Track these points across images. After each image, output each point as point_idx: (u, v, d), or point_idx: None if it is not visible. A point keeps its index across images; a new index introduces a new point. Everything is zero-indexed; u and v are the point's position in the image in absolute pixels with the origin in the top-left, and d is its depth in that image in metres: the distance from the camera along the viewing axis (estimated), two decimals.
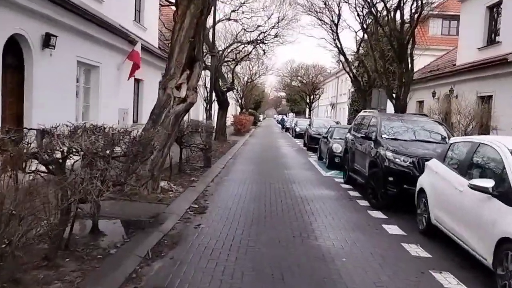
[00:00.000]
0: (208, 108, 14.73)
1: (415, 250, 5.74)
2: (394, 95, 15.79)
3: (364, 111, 11.89)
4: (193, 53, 8.44)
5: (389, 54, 19.98)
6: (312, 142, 20.78)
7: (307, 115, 60.62)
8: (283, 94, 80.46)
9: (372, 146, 9.02)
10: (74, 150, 3.92)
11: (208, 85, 20.33)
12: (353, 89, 25.92)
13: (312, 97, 54.70)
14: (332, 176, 12.67)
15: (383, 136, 8.92)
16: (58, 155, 4.52)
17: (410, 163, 7.74)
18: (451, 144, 6.44)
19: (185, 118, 12.84)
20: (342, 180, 11.69)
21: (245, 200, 8.61)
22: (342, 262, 5.08)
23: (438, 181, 6.06)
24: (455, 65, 18.63)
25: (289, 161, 16.35)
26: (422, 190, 6.59)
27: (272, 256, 5.18)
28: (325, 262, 5.03)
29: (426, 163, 6.87)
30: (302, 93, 57.67)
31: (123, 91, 13.88)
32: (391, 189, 7.81)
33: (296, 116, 55.59)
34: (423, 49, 18.99)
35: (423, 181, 6.64)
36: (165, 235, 5.87)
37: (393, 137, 8.86)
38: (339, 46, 20.25)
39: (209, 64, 22.41)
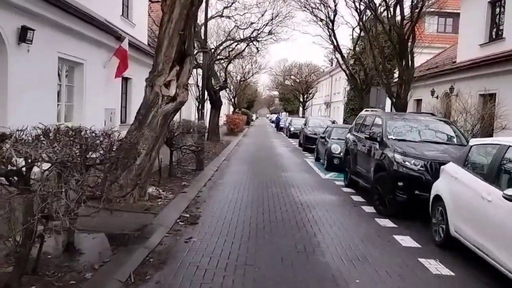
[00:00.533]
0: (200, 107, 14.04)
1: (435, 266, 5.08)
2: (392, 94, 15.16)
3: (366, 110, 11.25)
4: (183, 47, 7.72)
5: (387, 51, 19.42)
6: (308, 142, 20.14)
7: (300, 114, 60.04)
8: (276, 93, 79.82)
9: (377, 147, 8.37)
10: (35, 158, 3.20)
11: (200, 84, 19.67)
12: (348, 88, 25.29)
13: (305, 96, 54.08)
14: (332, 179, 12.02)
15: (389, 136, 8.27)
16: (22, 163, 3.80)
17: (421, 166, 7.09)
18: (471, 146, 5.79)
19: (176, 118, 12.14)
20: (342, 183, 11.05)
21: (241, 207, 7.91)
22: (357, 285, 4.41)
23: (459, 189, 5.41)
24: (455, 62, 18.09)
25: (285, 162, 15.67)
26: (438, 198, 5.94)
27: (274, 279, 4.49)
28: (338, 287, 4.35)
29: (442, 167, 6.21)
30: (295, 92, 57.05)
31: (110, 90, 13.11)
32: (400, 195, 7.16)
33: (290, 115, 54.97)
34: (422, 47, 18.38)
35: (439, 188, 5.99)
36: (152, 251, 5.16)
37: (400, 137, 8.22)
38: (335, 43, 19.61)
39: (201, 62, 21.75)
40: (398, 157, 7.35)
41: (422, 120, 8.84)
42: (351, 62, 21.82)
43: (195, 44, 20.61)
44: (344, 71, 20.99)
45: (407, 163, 7.22)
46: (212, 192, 9.37)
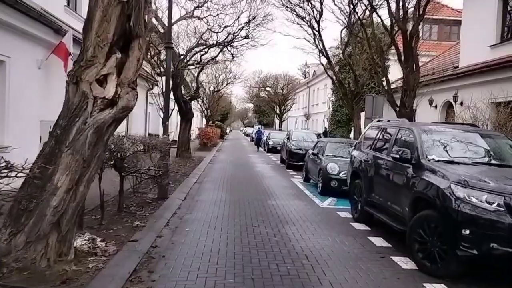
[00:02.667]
0: (163, 119, 11.28)
1: None
2: (395, 102, 12.85)
3: (377, 121, 8.78)
4: (128, 24, 5.03)
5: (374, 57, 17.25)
6: (292, 159, 17.59)
7: (276, 127, 57.68)
8: (250, 105, 77.56)
9: (412, 172, 5.87)
10: None
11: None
12: (333, 98, 23.04)
13: (282, 108, 51.79)
14: (333, 208, 9.45)
15: (429, 157, 5.77)
16: None
17: (499, 205, 4.59)
18: None
19: (137, 131, 9.36)
20: (348, 215, 8.52)
21: (218, 267, 5.20)
22: None
23: None
24: (457, 67, 16.06)
25: (270, 184, 13.03)
26: None
27: None
28: None
29: None
30: (272, 104, 54.71)
31: (49, 96, 10.21)
32: (466, 249, 4.63)
33: (265, 128, 52.58)
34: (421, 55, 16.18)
35: None
36: None
37: (447, 158, 5.74)
38: (321, 45, 17.30)
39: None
40: (458, 189, 4.84)
41: (468, 134, 6.39)
42: (337, 68, 19.51)
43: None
44: (331, 77, 18.68)
45: (473, 199, 4.71)
46: (177, 237, 6.60)
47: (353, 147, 9.29)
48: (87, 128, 4.80)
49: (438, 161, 5.67)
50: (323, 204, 9.91)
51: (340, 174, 10.81)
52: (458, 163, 5.55)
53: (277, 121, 56.19)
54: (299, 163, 17.06)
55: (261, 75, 55.86)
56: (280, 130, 44.82)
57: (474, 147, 6.06)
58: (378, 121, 8.65)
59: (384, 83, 13.08)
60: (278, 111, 52.85)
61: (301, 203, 9.90)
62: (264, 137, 31.75)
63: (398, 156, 6.04)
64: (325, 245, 6.33)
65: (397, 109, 12.27)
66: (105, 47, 4.85)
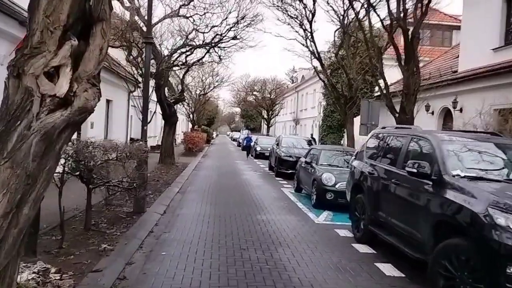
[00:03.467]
0: (142, 123, 10.20)
1: None
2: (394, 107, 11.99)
3: (383, 127, 7.84)
4: (88, 4, 3.99)
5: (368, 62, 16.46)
6: (282, 167, 16.62)
7: (263, 132, 56.68)
8: (238, 109, 76.55)
9: (431, 189, 4.94)
10: None
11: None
12: (324, 103, 22.17)
13: (270, 112, 50.84)
14: (331, 225, 8.48)
15: (453, 172, 4.84)
16: None
17: None
18: None
19: (119, 136, 8.23)
20: (348, 233, 7.57)
21: None
22: None
23: None
24: (456, 72, 15.32)
25: (259, 194, 12.01)
26: None
27: None
28: None
29: None
30: (259, 108, 53.73)
31: None
32: None
33: (253, 133, 51.58)
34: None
35: None
36: None
37: (475, 174, 4.81)
38: (314, 47, 16.41)
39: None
40: (499, 215, 3.90)
41: (495, 144, 5.47)
42: (328, 72, 18.63)
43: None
44: (323, 81, 17.81)
45: None
46: (150, 265, 5.53)
47: (353, 157, 8.34)
48: (32, 135, 3.71)
49: (464, 177, 4.73)
50: (319, 220, 8.94)
51: (337, 186, 9.87)
52: (488, 180, 4.62)
53: (265, 126, 55.24)
54: (289, 171, 16.13)
55: (249, 79, 55.00)
56: (267, 135, 43.87)
57: (502, 160, 5.16)
58: (384, 127, 7.71)
59: (383, 87, 12.20)
60: (265, 116, 51.89)
61: (294, 219, 8.90)
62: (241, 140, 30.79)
63: (415, 170, 5.08)
64: (327, 275, 5.33)
65: (397, 115, 11.39)
66: (56, 31, 3.78)
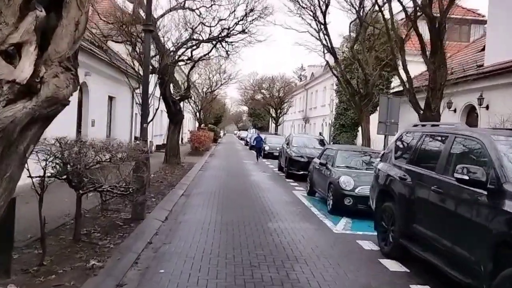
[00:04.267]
0: (142, 121, 9.39)
1: None
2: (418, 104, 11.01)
3: (414, 125, 6.87)
4: None
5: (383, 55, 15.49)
6: (293, 167, 15.70)
7: (271, 131, 55.71)
8: (245, 108, 75.66)
9: (487, 202, 4.01)
10: None
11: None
12: (337, 100, 21.19)
13: (279, 111, 49.83)
14: (351, 235, 7.54)
15: None
16: None
17: None
18: None
19: (123, 136, 7.34)
20: (372, 245, 6.66)
21: None
22: None
23: None
24: (481, 66, 14.29)
25: (269, 198, 11.11)
26: None
27: None
28: None
29: None
30: (267, 107, 52.75)
31: None
32: None
33: (261, 132, 50.66)
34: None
35: None
36: None
37: None
38: (327, 40, 15.46)
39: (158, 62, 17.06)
40: None
41: None
42: (342, 67, 17.63)
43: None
44: (337, 77, 16.85)
45: None
46: (147, 285, 4.67)
47: (378, 158, 7.40)
48: None
49: None
50: (337, 228, 8.01)
51: (356, 190, 8.94)
52: None
53: (273, 125, 54.28)
54: (300, 172, 15.23)
55: (257, 77, 54.02)
56: (276, 134, 42.96)
57: None
58: (416, 125, 6.76)
59: (405, 80, 11.22)
60: (274, 115, 50.89)
61: (310, 227, 7.98)
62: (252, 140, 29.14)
63: (466, 177, 4.14)
64: None
65: (421, 111, 10.42)
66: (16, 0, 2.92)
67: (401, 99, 12.88)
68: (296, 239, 6.96)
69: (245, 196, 11.36)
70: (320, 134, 31.93)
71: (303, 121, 40.98)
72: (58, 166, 5.61)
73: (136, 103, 20.67)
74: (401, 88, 13.15)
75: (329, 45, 15.57)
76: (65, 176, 5.71)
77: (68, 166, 5.62)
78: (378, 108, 16.93)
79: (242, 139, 66.19)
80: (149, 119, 11.55)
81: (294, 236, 7.18)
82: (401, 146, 6.49)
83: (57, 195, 6.70)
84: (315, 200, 11.09)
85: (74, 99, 13.16)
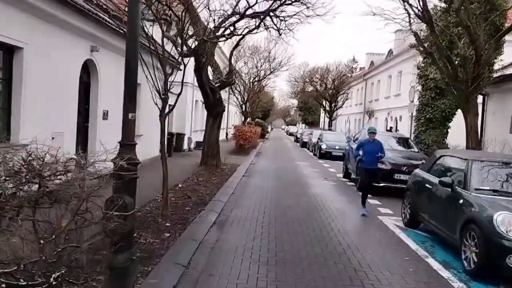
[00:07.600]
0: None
1: None
2: None
3: None
4: None
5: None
6: (380, 180, 11.24)
7: (322, 126, 51.06)
8: (295, 101, 71.19)
9: None
10: None
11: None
12: (419, 88, 16.55)
13: (334, 104, 44.98)
14: None
15: None
16: None
17: None
18: None
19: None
20: None
21: None
22: None
23: None
24: None
25: (349, 236, 7.03)
26: None
27: None
28: None
29: None
30: (320, 99, 47.99)
31: None
32: None
33: (311, 128, 46.23)
34: None
35: None
36: None
37: None
38: (419, 2, 11.00)
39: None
40: None
41: None
42: (426, 44, 13.02)
43: None
44: (429, 53, 12.34)
45: None
46: None
47: None
48: None
49: None
50: None
51: None
52: None
53: (326, 120, 49.51)
54: (380, 184, 11.01)
55: (308, 68, 49.38)
56: (330, 129, 38.45)
57: None
58: None
59: None
60: (327, 108, 46.11)
61: None
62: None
63: None
64: None
65: None
66: None
67: None
68: None
69: (308, 226, 7.34)
70: (391, 128, 27.24)
71: (364, 115, 36.07)
72: None
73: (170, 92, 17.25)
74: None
75: (420, 6, 11.13)
76: None
77: None
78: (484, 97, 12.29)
79: (291, 134, 61.98)
80: (167, 109, 7.87)
81: None
82: None
83: None
84: (425, 239, 6.89)
85: (74, 80, 9.73)
